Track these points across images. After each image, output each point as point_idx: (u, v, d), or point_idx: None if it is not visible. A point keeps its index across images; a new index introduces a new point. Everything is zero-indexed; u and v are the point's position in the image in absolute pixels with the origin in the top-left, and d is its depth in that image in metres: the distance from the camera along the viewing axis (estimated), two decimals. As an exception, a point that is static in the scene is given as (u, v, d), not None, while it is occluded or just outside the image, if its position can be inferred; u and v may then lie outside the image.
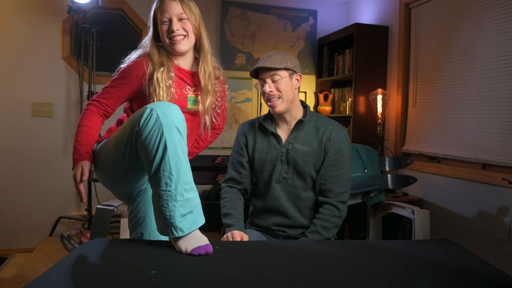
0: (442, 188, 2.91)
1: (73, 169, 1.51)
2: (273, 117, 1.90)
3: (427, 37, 3.10)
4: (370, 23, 3.61)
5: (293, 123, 1.86)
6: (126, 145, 1.39)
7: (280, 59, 1.79)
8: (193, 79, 1.71)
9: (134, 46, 1.74)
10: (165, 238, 1.41)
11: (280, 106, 1.81)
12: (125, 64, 1.62)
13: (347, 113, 3.59)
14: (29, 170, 3.38)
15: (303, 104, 1.91)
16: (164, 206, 1.30)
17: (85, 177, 1.49)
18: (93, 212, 3.22)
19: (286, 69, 1.78)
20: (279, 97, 1.80)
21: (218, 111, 1.84)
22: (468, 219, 2.69)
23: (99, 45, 3.35)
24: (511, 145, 2.41)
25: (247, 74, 3.88)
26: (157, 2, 1.62)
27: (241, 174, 1.90)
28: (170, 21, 1.60)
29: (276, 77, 1.78)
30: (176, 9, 1.59)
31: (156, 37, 1.66)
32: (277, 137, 1.85)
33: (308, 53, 4.03)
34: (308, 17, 4.02)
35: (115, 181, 1.58)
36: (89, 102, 1.62)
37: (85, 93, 3.38)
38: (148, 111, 1.31)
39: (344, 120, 3.54)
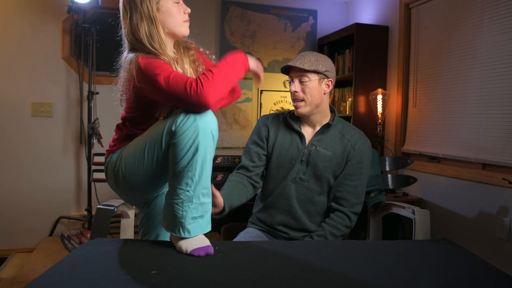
0: (442, 188, 2.91)
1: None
2: (298, 116, 1.85)
3: (427, 37, 3.10)
4: (370, 23, 3.61)
5: (318, 126, 1.82)
6: (160, 145, 1.34)
7: (312, 60, 1.74)
8: None
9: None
10: None
11: (303, 108, 1.77)
12: (142, 67, 1.34)
13: (347, 113, 3.58)
14: (29, 170, 3.38)
15: (331, 109, 1.87)
16: (179, 204, 1.30)
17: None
18: (93, 212, 3.22)
19: (316, 72, 1.74)
20: (303, 100, 1.76)
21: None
22: (468, 219, 2.69)
23: (99, 45, 3.34)
24: (511, 145, 2.41)
25: (247, 74, 3.87)
26: None
27: (254, 163, 1.84)
28: (179, 1, 1.45)
29: (305, 79, 1.74)
30: None
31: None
32: (301, 136, 1.81)
33: (308, 53, 4.03)
34: (308, 17, 4.02)
35: (137, 187, 1.47)
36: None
37: (85, 93, 3.38)
38: (186, 112, 1.29)
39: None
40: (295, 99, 1.78)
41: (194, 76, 1.43)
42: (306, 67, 1.72)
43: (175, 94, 1.27)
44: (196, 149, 1.28)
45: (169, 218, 1.34)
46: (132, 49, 1.44)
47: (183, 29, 1.46)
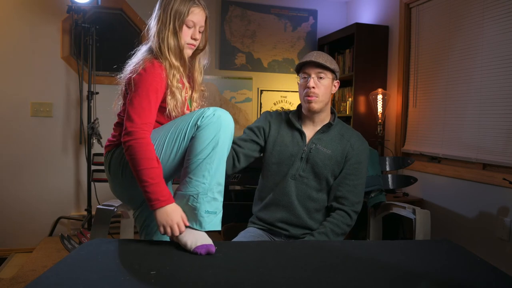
0: (442, 188, 2.90)
1: (156, 214, 1.34)
2: (300, 115, 1.90)
3: (427, 37, 3.10)
4: (370, 23, 3.61)
5: (319, 125, 1.87)
6: (183, 138, 1.41)
7: (330, 60, 1.82)
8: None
9: (134, 46, 1.65)
10: None
11: (316, 104, 1.80)
12: (144, 73, 1.44)
13: (347, 113, 3.58)
14: (29, 170, 3.37)
15: (331, 111, 1.93)
16: (194, 196, 1.36)
17: (183, 229, 1.35)
18: (93, 212, 3.22)
19: (332, 71, 1.81)
20: (317, 96, 1.80)
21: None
22: (469, 219, 2.69)
23: (99, 45, 3.34)
24: (511, 145, 2.41)
25: (247, 74, 3.87)
26: (187, 2, 1.51)
27: (245, 141, 1.86)
28: (194, 27, 1.53)
29: (322, 75, 1.80)
30: (201, 20, 1.55)
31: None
32: (302, 134, 1.85)
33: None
34: (308, 17, 4.01)
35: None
36: (136, 129, 1.38)
37: (85, 93, 3.38)
38: (211, 110, 1.40)
39: (344, 120, 3.54)
40: (310, 94, 1.79)
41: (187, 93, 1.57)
42: (327, 64, 1.79)
43: (129, 115, 1.39)
44: (217, 143, 1.37)
45: (182, 209, 1.37)
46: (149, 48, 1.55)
47: (181, 48, 1.54)
